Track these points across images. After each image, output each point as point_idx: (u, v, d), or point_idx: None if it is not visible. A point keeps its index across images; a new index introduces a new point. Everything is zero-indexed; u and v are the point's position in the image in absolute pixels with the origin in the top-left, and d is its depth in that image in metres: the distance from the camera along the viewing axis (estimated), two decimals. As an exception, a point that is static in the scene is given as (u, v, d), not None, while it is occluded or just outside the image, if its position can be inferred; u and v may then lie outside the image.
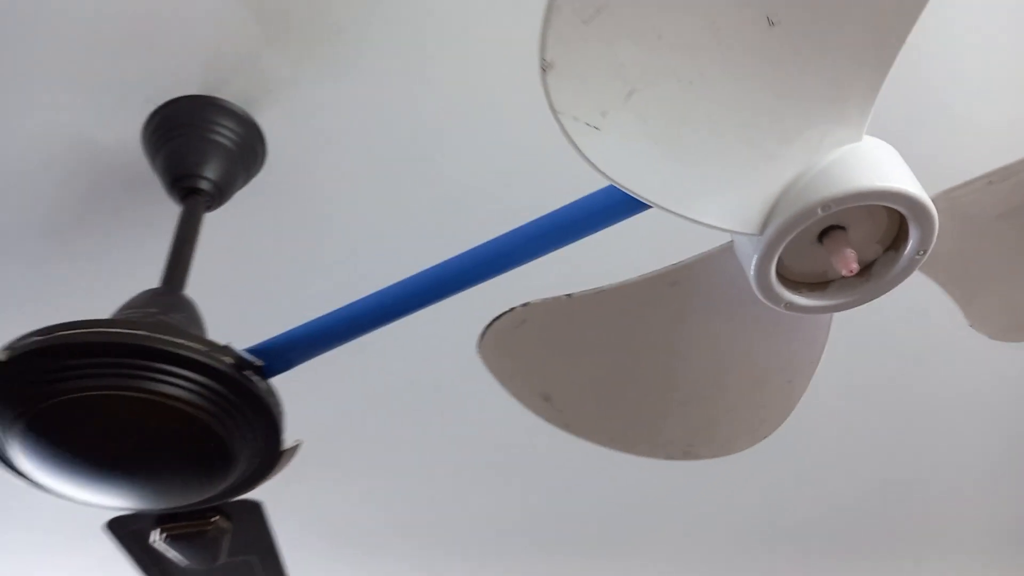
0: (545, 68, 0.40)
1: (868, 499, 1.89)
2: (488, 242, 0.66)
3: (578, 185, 0.63)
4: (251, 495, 0.87)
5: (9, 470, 0.74)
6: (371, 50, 0.98)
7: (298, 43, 0.97)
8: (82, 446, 0.71)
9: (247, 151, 1.01)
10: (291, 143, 1.05)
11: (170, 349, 0.68)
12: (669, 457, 0.70)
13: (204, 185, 0.97)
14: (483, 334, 0.61)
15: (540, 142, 0.98)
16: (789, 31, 0.43)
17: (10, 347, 0.67)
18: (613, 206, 0.62)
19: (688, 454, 0.69)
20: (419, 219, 1.14)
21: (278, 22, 0.96)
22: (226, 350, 0.71)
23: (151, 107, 0.99)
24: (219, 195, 0.99)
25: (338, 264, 1.18)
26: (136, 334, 0.67)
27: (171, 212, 1.01)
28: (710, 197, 0.48)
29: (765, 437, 0.68)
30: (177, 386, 0.68)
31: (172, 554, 0.90)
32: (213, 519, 0.88)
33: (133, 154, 1.04)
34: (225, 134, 1.00)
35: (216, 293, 0.96)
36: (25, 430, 0.69)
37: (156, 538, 0.88)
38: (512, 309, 0.60)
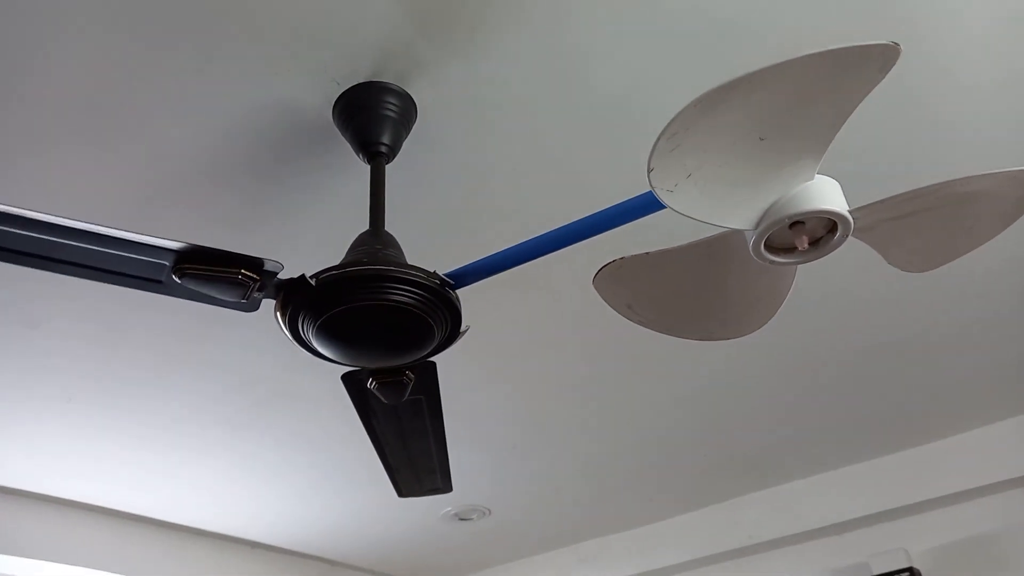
0: (650, 170, 0.83)
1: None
2: (589, 216, 1.10)
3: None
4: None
5: (302, 346, 1.23)
6: (493, 34, 1.35)
7: (437, 32, 1.36)
8: (351, 333, 1.19)
9: (405, 116, 1.43)
10: (434, 107, 1.46)
11: (404, 275, 1.14)
12: (699, 338, 1.17)
13: (383, 148, 1.40)
14: (598, 273, 1.06)
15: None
16: (771, 141, 0.85)
17: (315, 277, 1.14)
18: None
19: (711, 336, 1.16)
20: (528, 160, 1.57)
21: (422, 17, 1.34)
22: (434, 274, 1.17)
23: (337, 90, 1.41)
24: (392, 152, 1.42)
25: (473, 193, 1.62)
26: (388, 268, 1.14)
27: (359, 165, 1.46)
28: (731, 215, 0.92)
29: (755, 331, 1.14)
30: (408, 296, 1.15)
31: (377, 395, 1.41)
32: (406, 373, 1.38)
33: (324, 122, 1.47)
34: (391, 108, 1.42)
35: (401, 221, 1.41)
36: (320, 327, 1.17)
37: (370, 384, 1.39)
38: (615, 260, 1.05)
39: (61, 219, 0.99)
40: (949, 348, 2.42)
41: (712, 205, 0.90)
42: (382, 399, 1.42)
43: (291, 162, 1.54)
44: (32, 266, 1.06)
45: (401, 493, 1.87)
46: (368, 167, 1.41)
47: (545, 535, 3.55)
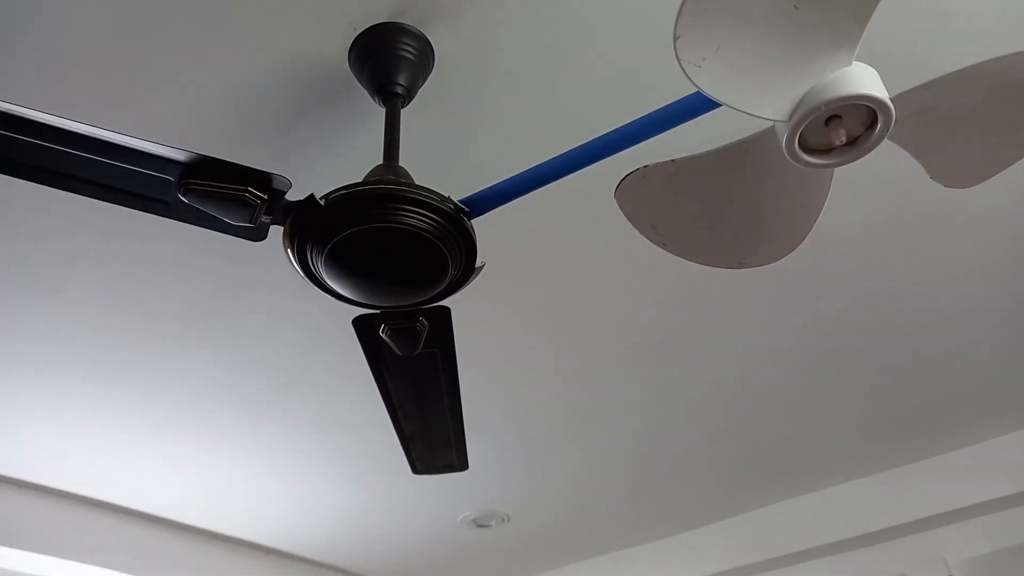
0: (676, 38, 0.78)
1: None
2: (615, 129, 1.05)
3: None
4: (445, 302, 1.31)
5: (311, 279, 1.18)
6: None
7: None
8: (361, 262, 1.14)
9: (424, 60, 1.40)
10: (452, 50, 1.42)
11: (418, 196, 1.09)
12: (728, 266, 1.10)
13: (399, 90, 1.36)
14: (619, 184, 1.01)
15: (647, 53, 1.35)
16: (805, 11, 0.79)
17: (325, 197, 1.09)
18: (696, 107, 1.00)
19: (742, 263, 1.10)
20: (546, 106, 1.53)
21: None
22: (448, 199, 1.12)
23: (353, 34, 1.38)
24: (408, 95, 1.39)
25: (491, 135, 1.57)
26: (399, 188, 1.09)
27: (375, 111, 1.42)
28: (762, 101, 0.86)
29: (789, 253, 1.07)
30: (421, 219, 1.10)
31: (390, 343, 1.35)
32: (419, 319, 1.32)
33: (339, 67, 1.43)
34: (408, 50, 1.38)
35: (415, 164, 1.36)
36: (330, 253, 1.12)
37: (383, 331, 1.33)
38: (637, 169, 0.99)
39: (63, 120, 0.95)
40: (985, 347, 2.33)
41: (743, 87, 0.84)
42: (395, 349, 1.36)
43: (307, 111, 1.50)
44: (27, 178, 1.03)
45: (415, 468, 1.80)
46: (384, 110, 1.37)
47: (567, 545, 3.44)
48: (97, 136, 0.97)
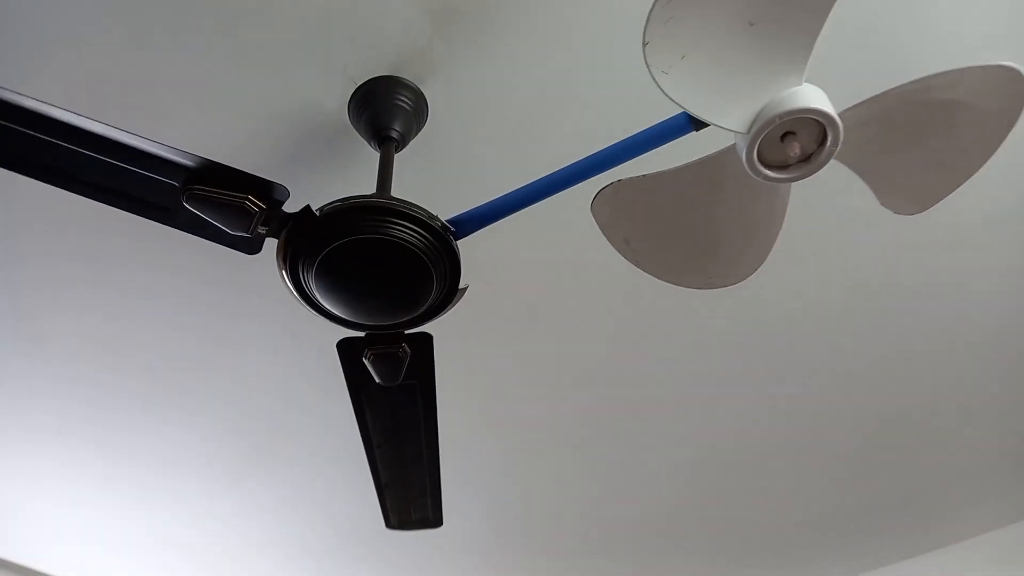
0: (645, 43, 0.88)
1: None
2: (593, 154, 1.14)
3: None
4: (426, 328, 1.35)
5: (301, 295, 1.23)
6: (498, 42, 1.45)
7: (451, 34, 1.45)
8: (350, 273, 1.20)
9: (418, 111, 1.51)
10: (445, 104, 1.53)
11: (408, 211, 1.16)
12: (696, 286, 1.17)
13: (394, 134, 1.46)
14: (595, 197, 1.09)
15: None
16: (759, 29, 0.90)
17: (320, 210, 1.16)
18: (666, 134, 1.09)
19: (709, 283, 1.16)
20: (531, 154, 1.63)
21: (440, 20, 1.44)
22: (436, 217, 1.19)
23: (352, 86, 1.50)
24: (403, 142, 1.48)
25: (476, 174, 1.65)
26: (391, 201, 1.16)
27: (368, 155, 1.52)
28: (723, 111, 0.96)
29: (751, 273, 1.15)
30: (409, 233, 1.16)
31: (372, 369, 1.38)
32: (402, 344, 1.36)
33: (336, 115, 1.54)
34: (404, 100, 1.49)
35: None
36: (320, 264, 1.18)
37: (366, 356, 1.36)
38: (611, 183, 1.08)
39: (73, 116, 1.01)
40: (968, 430, 2.36)
41: (706, 96, 0.94)
42: (376, 377, 1.39)
43: (305, 153, 1.60)
44: (32, 175, 1.09)
45: (389, 522, 1.78)
46: (378, 154, 1.47)
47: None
48: (107, 135, 1.04)
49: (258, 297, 1.89)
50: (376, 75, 1.49)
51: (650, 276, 1.18)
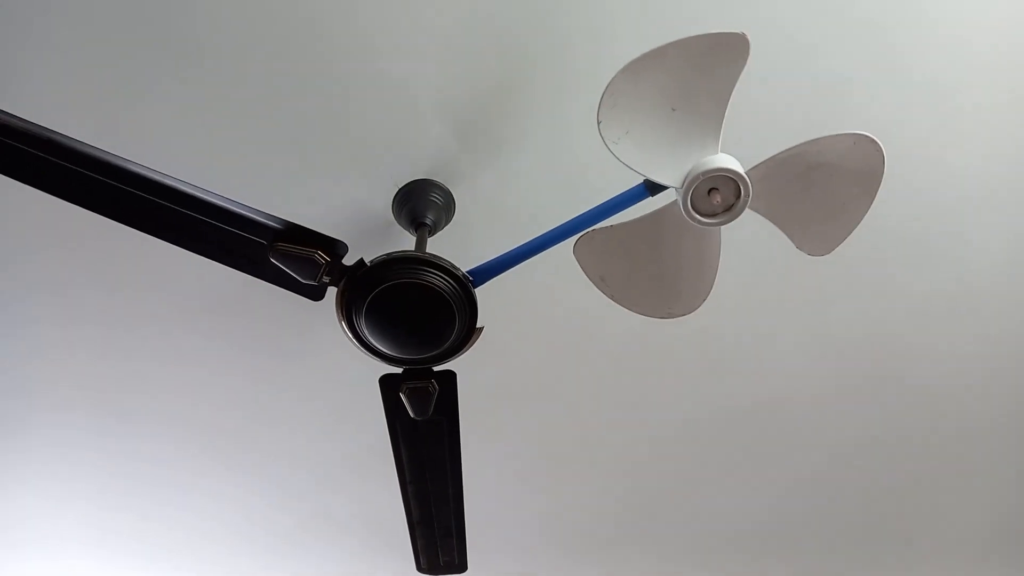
0: (599, 122, 1.27)
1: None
2: (578, 215, 1.51)
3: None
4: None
5: (354, 335, 1.58)
6: (514, 153, 1.88)
7: (473, 147, 1.88)
8: (391, 312, 1.54)
9: (447, 205, 1.92)
10: (469, 200, 1.94)
11: (437, 262, 1.53)
12: (659, 316, 1.50)
13: (427, 221, 1.86)
14: (576, 243, 1.45)
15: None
16: (679, 114, 1.29)
17: (372, 261, 1.53)
18: (629, 199, 1.47)
19: (669, 313, 1.49)
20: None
21: (462, 134, 1.87)
22: (458, 268, 1.56)
23: (394, 187, 1.92)
24: (434, 228, 1.88)
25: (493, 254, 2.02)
26: (424, 254, 1.53)
27: (408, 239, 1.92)
28: (662, 171, 1.33)
29: (700, 305, 1.48)
30: (439, 279, 1.52)
31: (407, 403, 1.70)
32: (431, 380, 1.68)
33: (379, 209, 1.95)
34: (435, 197, 1.91)
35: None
36: (368, 304, 1.53)
37: (403, 391, 1.69)
38: (588, 231, 1.44)
39: (184, 185, 1.41)
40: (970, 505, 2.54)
41: (647, 160, 1.32)
42: (410, 411, 1.71)
43: (354, 239, 2.00)
44: (145, 231, 1.46)
45: (419, 565, 2.02)
46: (415, 237, 1.86)
47: None
48: (215, 202, 1.44)
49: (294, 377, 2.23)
50: (414, 179, 1.92)
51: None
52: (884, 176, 1.39)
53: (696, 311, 1.53)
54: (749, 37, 1.22)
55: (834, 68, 1.75)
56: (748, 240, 1.93)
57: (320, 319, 2.10)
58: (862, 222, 1.44)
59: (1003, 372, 2.37)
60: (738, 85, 1.28)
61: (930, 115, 1.86)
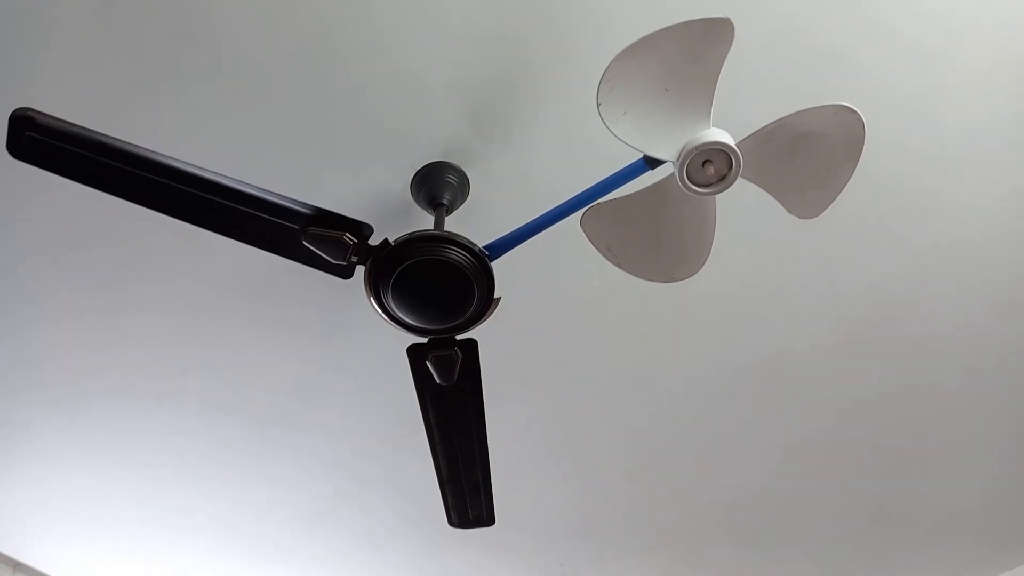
0: (598, 104, 1.39)
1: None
2: (585, 190, 1.63)
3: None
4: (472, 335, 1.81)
5: (382, 309, 1.71)
6: (526, 133, 1.99)
7: (485, 130, 2.00)
8: (416, 287, 1.68)
9: (462, 185, 2.04)
10: (482, 181, 2.06)
11: (456, 239, 1.66)
12: (663, 280, 1.62)
13: (444, 202, 1.99)
14: (583, 215, 1.57)
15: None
16: (671, 93, 1.41)
17: (395, 241, 1.66)
18: (631, 173, 1.58)
19: (672, 277, 1.62)
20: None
21: (474, 118, 1.98)
22: (476, 244, 1.68)
23: (411, 170, 2.04)
24: (451, 208, 2.01)
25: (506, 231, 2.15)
26: (444, 232, 1.66)
27: (427, 219, 2.04)
28: (659, 147, 1.45)
29: (700, 268, 1.60)
30: (458, 254, 1.65)
31: (433, 370, 1.84)
32: (455, 348, 1.82)
33: (399, 191, 2.08)
34: (451, 178, 2.03)
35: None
36: (395, 280, 1.66)
37: (428, 359, 1.83)
38: (593, 204, 1.56)
39: (223, 178, 1.54)
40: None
41: (644, 138, 1.43)
42: (436, 377, 1.85)
43: (377, 220, 2.13)
44: (190, 221, 1.60)
45: (450, 519, 2.18)
46: (433, 217, 1.99)
47: None
48: (251, 192, 1.57)
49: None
50: (430, 161, 2.04)
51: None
52: (876, 138, 1.49)
53: (697, 274, 1.65)
54: (734, 21, 1.33)
55: (823, 43, 1.85)
56: (747, 206, 2.04)
57: (348, 298, 2.24)
58: (856, 180, 1.54)
59: (1002, 320, 2.47)
60: (728, 62, 1.39)
61: (920, 77, 1.95)
